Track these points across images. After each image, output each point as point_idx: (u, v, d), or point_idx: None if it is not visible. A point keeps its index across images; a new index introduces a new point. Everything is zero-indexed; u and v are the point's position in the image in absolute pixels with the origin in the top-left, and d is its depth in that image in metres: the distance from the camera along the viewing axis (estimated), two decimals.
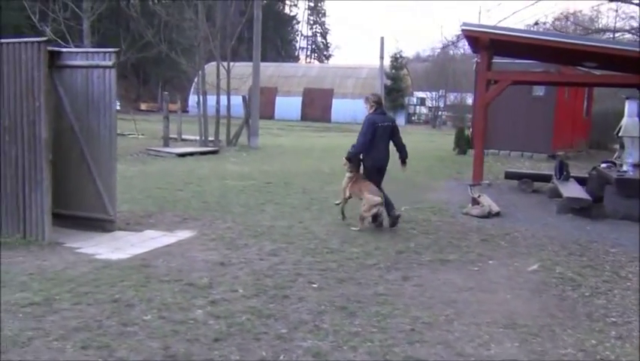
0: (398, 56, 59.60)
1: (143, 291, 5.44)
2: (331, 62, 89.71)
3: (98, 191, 7.78)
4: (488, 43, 9.90)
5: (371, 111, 8.80)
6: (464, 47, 66.93)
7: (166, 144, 20.53)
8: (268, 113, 55.31)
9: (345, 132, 40.78)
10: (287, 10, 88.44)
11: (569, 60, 11.95)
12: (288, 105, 59.22)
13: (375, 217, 8.52)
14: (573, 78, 13.35)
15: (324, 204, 10.39)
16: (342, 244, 7.48)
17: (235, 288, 5.67)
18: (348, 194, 8.77)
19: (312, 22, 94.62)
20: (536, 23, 23.71)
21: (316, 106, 58.73)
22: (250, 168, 16.03)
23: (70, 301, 5.12)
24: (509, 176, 13.61)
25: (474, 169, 10.75)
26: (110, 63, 7.60)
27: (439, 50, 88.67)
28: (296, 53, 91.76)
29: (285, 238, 7.70)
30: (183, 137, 24.10)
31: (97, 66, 7.66)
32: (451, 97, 58.18)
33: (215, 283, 5.80)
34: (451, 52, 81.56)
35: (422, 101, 64.67)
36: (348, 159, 8.75)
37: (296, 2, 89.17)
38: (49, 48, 7.28)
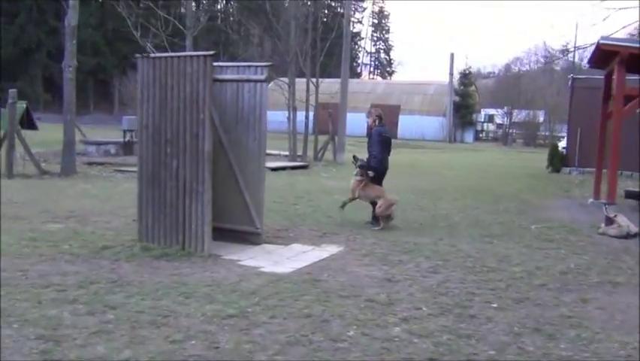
0: (467, 72, 58.90)
1: (329, 306, 5.36)
2: (395, 78, 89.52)
3: (246, 204, 7.81)
4: (627, 58, 9.55)
5: (375, 124, 9.77)
6: (529, 63, 65.54)
7: None
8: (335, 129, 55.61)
9: (417, 149, 40.49)
10: (351, 26, 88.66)
11: None
12: (355, 121, 59.09)
13: (389, 215, 9.43)
14: None
15: (451, 221, 10.20)
16: (499, 263, 7.26)
17: (417, 306, 5.53)
18: (357, 195, 9.68)
19: (375, 38, 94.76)
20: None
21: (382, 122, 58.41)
22: (348, 184, 15.91)
23: (264, 314, 5.08)
24: (630, 195, 13.08)
25: (609, 187, 10.36)
26: (262, 77, 7.66)
27: (502, 67, 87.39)
28: (358, 70, 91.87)
29: (436, 255, 7.54)
30: (267, 151, 24.27)
31: (248, 80, 7.73)
32: (522, 114, 56.94)
33: (394, 300, 5.67)
34: (516, 68, 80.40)
35: (490, 118, 63.61)
36: (362, 166, 9.68)
37: (360, 19, 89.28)
38: None
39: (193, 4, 17.13)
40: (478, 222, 10.26)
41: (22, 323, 4.55)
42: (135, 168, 16.40)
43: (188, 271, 6.40)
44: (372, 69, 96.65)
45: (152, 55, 7.25)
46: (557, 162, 21.07)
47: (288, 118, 21.91)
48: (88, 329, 4.50)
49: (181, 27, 18.00)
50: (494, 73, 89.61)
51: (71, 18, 14.87)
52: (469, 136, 58.98)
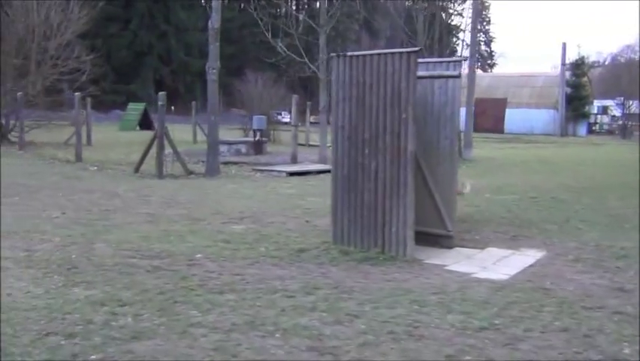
0: (580, 62, 56.16)
1: (579, 318, 4.94)
2: (496, 70, 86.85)
3: (436, 205, 7.50)
4: None
5: None
6: None
7: None
8: None
9: (531, 143, 38.87)
10: (452, 19, 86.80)
11: None
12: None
13: None
14: None
15: (636, 223, 9.47)
16: None
17: None
18: None
19: (476, 30, 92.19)
20: None
21: (488, 116, 56.68)
22: (489, 181, 15.29)
23: (516, 327, 4.72)
24: None
25: None
26: (455, 73, 7.33)
27: (607, 55, 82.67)
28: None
29: None
30: None
31: (439, 76, 7.42)
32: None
33: None
34: (625, 56, 75.74)
35: (604, 110, 60.32)
36: None
37: (460, 11, 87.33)
38: None
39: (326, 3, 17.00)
40: None
41: (282, 332, 4.43)
42: (272, 168, 16.63)
43: (399, 276, 6.16)
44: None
45: (348, 53, 7.06)
46: None
47: None
48: (351, 340, 4.32)
49: (314, 25, 17.97)
50: (599, 62, 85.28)
51: (214, 20, 15.11)
52: (581, 129, 56.29)
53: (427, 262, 6.75)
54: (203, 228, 8.48)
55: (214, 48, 15.21)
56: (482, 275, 6.24)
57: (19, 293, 5.24)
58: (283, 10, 19.28)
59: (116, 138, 29.67)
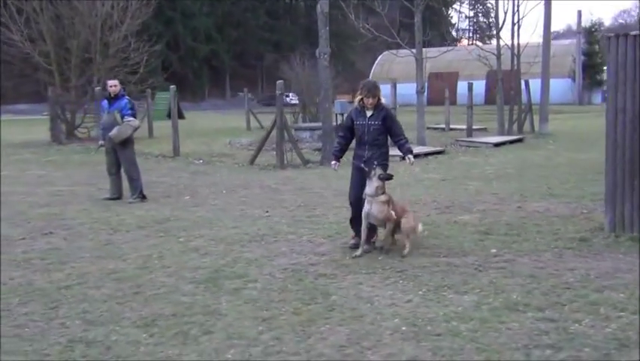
0: (594, 29, 56.21)
1: None
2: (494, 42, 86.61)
3: None
4: None
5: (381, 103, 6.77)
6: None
7: (470, 135, 20.33)
8: (450, 99, 53.91)
9: (559, 114, 38.77)
10: None
11: None
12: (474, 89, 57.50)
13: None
14: None
15: None
16: None
17: None
18: (392, 219, 6.63)
19: (473, 2, 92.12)
20: None
21: (504, 89, 56.47)
22: (587, 156, 14.97)
23: None
24: None
25: None
26: None
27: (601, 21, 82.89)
28: (456, 35, 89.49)
29: None
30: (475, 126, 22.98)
31: None
32: None
33: None
34: (622, 21, 75.80)
35: None
36: (385, 178, 6.63)
37: None
38: None
39: None
40: None
41: None
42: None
43: None
44: (470, 34, 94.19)
45: (632, 33, 6.79)
46: None
47: (497, 91, 21.45)
48: None
49: (407, 4, 17.60)
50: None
51: (323, 4, 14.68)
52: (596, 98, 56.45)
53: None
54: (430, 220, 8.18)
55: (324, 33, 14.80)
56: None
57: (402, 303, 4.98)
58: None
59: (155, 128, 28.97)
